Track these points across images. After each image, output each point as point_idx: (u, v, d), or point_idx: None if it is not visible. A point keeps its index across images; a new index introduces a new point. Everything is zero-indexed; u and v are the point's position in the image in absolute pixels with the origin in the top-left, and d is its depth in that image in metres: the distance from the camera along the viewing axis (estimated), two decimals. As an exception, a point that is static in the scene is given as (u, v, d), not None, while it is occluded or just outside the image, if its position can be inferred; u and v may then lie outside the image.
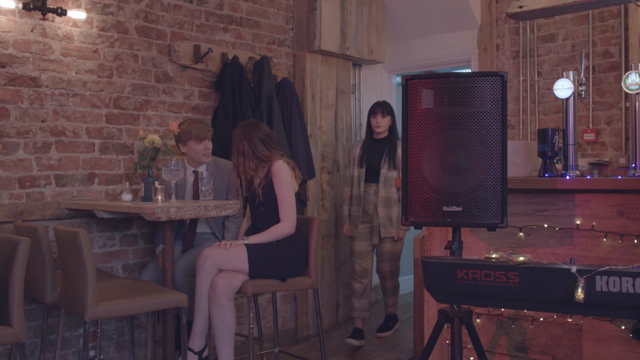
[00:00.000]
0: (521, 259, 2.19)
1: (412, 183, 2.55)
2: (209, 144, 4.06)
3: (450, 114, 2.50)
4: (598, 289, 2.07)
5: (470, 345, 2.95)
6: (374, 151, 4.92)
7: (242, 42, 4.94)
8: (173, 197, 3.61)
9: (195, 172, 4.04)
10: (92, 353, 3.87)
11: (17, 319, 2.69)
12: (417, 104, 2.56)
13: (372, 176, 4.90)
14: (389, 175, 4.83)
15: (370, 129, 4.98)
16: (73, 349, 3.92)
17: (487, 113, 2.46)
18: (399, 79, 6.46)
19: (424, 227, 2.98)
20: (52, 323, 3.76)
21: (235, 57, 4.70)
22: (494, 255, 2.27)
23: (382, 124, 4.85)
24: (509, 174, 2.63)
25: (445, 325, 2.57)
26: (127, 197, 3.71)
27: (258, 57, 4.88)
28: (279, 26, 5.23)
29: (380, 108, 4.89)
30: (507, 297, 2.22)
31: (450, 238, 2.87)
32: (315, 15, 5.17)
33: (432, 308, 3.22)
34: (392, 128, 4.93)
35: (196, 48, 4.56)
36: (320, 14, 5.16)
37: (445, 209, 2.49)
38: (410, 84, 2.57)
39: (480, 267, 2.23)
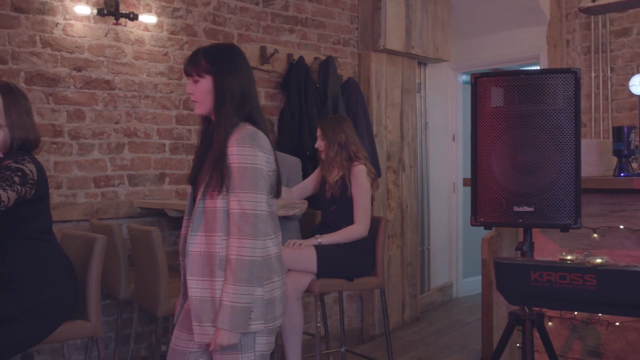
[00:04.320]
0: (598, 261, 2.13)
1: (482, 182, 2.51)
2: None
3: (520, 112, 2.45)
4: (680, 293, 2.00)
5: (541, 349, 2.88)
6: None
7: (307, 43, 4.97)
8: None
9: None
10: (164, 348, 3.98)
11: (94, 314, 2.78)
12: (487, 102, 2.52)
13: None
14: (210, 207, 2.09)
15: None
16: (146, 343, 4.03)
17: (560, 111, 2.40)
18: (464, 77, 6.37)
19: (493, 228, 2.94)
20: (125, 318, 3.88)
21: (301, 58, 4.73)
22: (568, 257, 2.22)
23: None
24: (582, 174, 2.56)
25: (516, 328, 2.52)
26: (196, 196, 3.78)
27: (323, 57, 4.90)
28: (344, 26, 5.24)
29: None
30: (584, 300, 2.16)
31: (520, 239, 2.81)
32: (380, 14, 5.15)
33: (501, 310, 3.16)
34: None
35: (262, 49, 4.61)
36: (385, 13, 5.14)
37: (516, 209, 2.45)
38: (479, 82, 2.53)
39: (556, 269, 2.17)
